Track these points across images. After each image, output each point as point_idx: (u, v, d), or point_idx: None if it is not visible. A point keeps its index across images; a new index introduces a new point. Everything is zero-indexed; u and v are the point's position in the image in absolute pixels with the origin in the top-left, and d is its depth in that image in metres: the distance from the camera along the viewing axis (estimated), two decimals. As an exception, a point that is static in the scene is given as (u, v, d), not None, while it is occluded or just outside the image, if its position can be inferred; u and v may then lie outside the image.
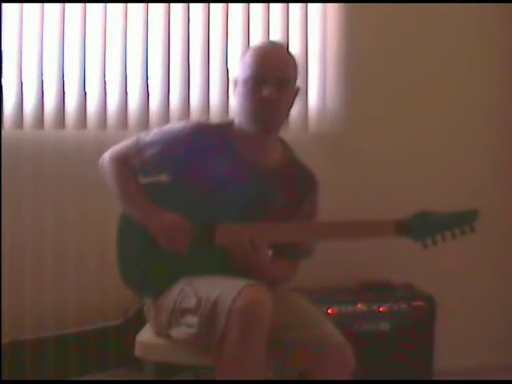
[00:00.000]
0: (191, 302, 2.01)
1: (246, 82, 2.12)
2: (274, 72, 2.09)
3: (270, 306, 1.91)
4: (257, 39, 3.01)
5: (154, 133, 2.25)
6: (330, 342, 2.00)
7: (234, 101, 2.19)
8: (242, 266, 2.07)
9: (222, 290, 1.95)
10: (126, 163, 2.22)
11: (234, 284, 1.95)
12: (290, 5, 3.06)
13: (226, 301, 1.91)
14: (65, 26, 2.81)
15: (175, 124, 2.28)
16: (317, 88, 3.10)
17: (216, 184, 2.12)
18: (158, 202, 2.16)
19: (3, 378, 2.53)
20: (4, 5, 2.72)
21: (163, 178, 2.23)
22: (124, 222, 2.20)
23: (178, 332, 2.04)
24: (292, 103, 2.19)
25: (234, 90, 2.19)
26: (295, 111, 3.07)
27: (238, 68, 2.19)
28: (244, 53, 2.22)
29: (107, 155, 2.26)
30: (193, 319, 1.99)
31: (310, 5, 3.08)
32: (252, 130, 2.14)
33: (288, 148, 2.27)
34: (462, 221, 2.11)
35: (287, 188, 2.20)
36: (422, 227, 2.11)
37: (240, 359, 1.89)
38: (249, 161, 2.17)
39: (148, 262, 2.15)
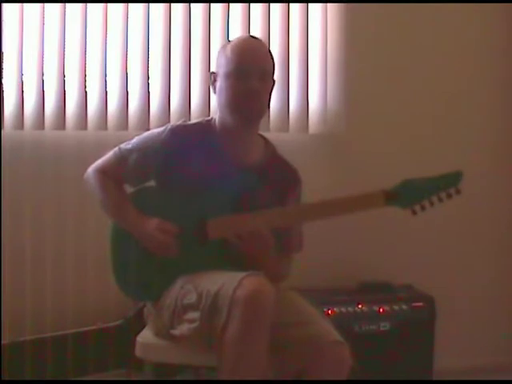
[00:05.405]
0: (192, 298, 2.01)
1: (228, 75, 2.14)
2: (256, 65, 2.15)
3: (272, 294, 1.91)
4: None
5: (134, 140, 2.26)
6: (327, 340, 1.99)
7: (216, 95, 2.21)
8: (250, 258, 2.08)
9: (223, 282, 1.95)
10: (109, 173, 2.24)
11: (234, 275, 1.95)
12: (291, 5, 3.06)
13: (226, 291, 1.91)
14: (65, 26, 2.81)
15: (154, 129, 2.29)
16: (317, 89, 3.11)
17: (201, 183, 2.13)
18: (146, 208, 2.17)
19: (3, 378, 2.53)
20: (4, 5, 2.72)
21: (150, 184, 2.25)
22: (115, 231, 2.21)
23: (181, 329, 2.04)
24: (270, 95, 2.23)
25: (213, 85, 2.21)
26: (295, 112, 3.07)
27: (218, 63, 2.20)
28: (222, 48, 2.23)
29: (90, 169, 2.27)
30: (195, 314, 1.99)
31: (310, 5, 3.09)
32: (235, 121, 2.16)
33: (270, 145, 2.29)
34: (447, 183, 2.12)
35: (271, 184, 2.20)
36: (410, 194, 2.11)
37: (242, 349, 1.88)
38: (232, 157, 2.18)
39: (144, 268, 2.15)
